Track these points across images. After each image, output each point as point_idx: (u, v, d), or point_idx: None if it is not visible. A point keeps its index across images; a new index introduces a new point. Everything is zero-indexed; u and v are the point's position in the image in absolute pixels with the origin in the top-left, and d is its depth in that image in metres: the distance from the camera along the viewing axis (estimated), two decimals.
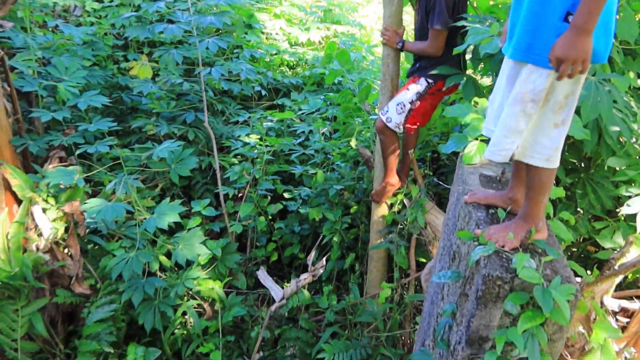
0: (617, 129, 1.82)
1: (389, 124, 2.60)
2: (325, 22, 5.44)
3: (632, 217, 2.22)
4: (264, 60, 4.62)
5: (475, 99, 2.18)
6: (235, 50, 4.45)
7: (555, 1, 1.23)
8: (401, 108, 2.57)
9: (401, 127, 2.61)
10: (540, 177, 1.43)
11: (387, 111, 2.61)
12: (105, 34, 4.27)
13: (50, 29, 3.84)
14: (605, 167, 2.32)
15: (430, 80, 2.55)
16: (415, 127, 2.67)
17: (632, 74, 2.26)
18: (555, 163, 1.40)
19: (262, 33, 4.90)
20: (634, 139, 2.21)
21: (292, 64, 5.08)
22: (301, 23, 5.42)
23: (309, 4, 6.36)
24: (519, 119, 1.34)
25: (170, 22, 3.98)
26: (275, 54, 4.86)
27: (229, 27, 4.11)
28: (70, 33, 3.48)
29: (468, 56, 2.58)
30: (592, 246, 2.64)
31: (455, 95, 2.87)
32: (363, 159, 3.28)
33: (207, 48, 3.72)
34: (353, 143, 3.21)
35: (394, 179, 2.80)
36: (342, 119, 3.61)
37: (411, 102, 2.56)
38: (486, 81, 3.02)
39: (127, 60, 4.25)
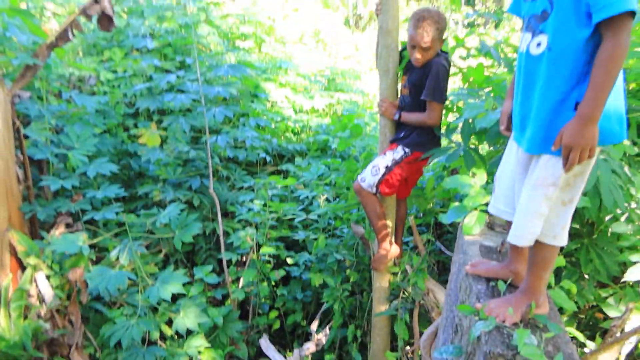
0: (611, 197, 1.85)
1: (362, 184, 2.68)
2: (329, 91, 5.64)
3: (638, 284, 2.20)
4: (269, 127, 4.77)
5: (474, 169, 2.23)
6: (241, 118, 4.60)
7: (566, 93, 1.29)
8: (376, 170, 2.66)
9: (374, 188, 2.67)
10: (544, 254, 1.44)
11: (363, 172, 2.72)
12: (117, 102, 4.45)
13: (65, 100, 4.01)
14: (609, 233, 2.33)
15: (407, 150, 2.65)
16: (389, 192, 2.72)
17: (626, 142, 2.32)
18: (562, 241, 1.42)
19: (268, 101, 5.09)
20: (634, 204, 2.24)
21: (297, 130, 5.23)
22: (306, 91, 5.63)
23: (314, 72, 6.64)
24: (542, 203, 1.37)
25: (180, 91, 4.16)
26: (280, 120, 5.02)
27: (235, 96, 4.28)
28: (83, 103, 3.63)
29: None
30: (600, 313, 2.59)
31: (455, 163, 2.94)
32: (358, 236, 3.31)
33: (214, 116, 3.87)
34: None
35: (386, 244, 2.81)
36: (340, 181, 3.66)
37: (386, 167, 2.65)
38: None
39: (137, 128, 4.41)
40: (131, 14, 5.49)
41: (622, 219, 2.21)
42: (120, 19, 5.33)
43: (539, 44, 1.33)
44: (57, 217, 3.28)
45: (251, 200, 3.70)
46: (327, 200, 3.81)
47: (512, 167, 1.51)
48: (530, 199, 1.38)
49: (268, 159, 4.50)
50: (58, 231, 3.18)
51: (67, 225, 3.31)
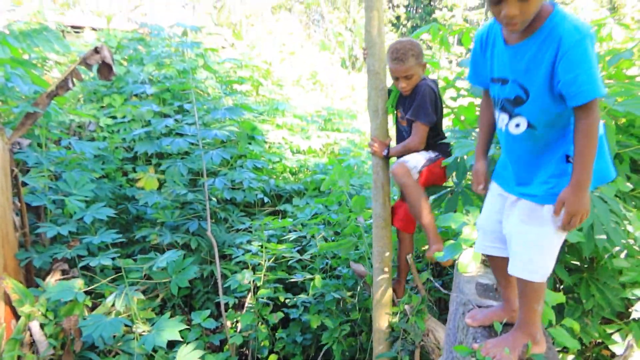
0: (603, 236, 1.84)
1: (406, 164, 2.57)
2: (326, 130, 5.72)
3: None
4: (266, 168, 4.81)
5: (468, 207, 2.24)
6: (239, 160, 4.65)
7: (555, 152, 1.39)
8: (418, 159, 2.63)
9: (418, 169, 2.58)
10: (534, 287, 1.43)
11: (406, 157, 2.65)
12: (116, 147, 4.51)
13: (64, 146, 4.07)
14: (610, 268, 2.30)
15: (436, 153, 2.67)
16: (424, 183, 2.65)
17: (619, 178, 2.32)
18: (546, 276, 1.42)
19: (265, 142, 5.15)
20: (631, 240, 2.22)
21: (294, 170, 5.27)
22: (303, 131, 5.71)
23: (311, 113, 6.75)
24: (553, 238, 1.41)
25: (179, 135, 4.23)
26: (278, 161, 5.06)
27: (233, 138, 4.34)
28: (81, 149, 3.68)
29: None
30: (606, 350, 2.53)
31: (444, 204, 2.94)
32: (357, 275, 3.28)
33: (211, 159, 3.91)
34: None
35: (439, 244, 2.52)
36: (338, 221, 3.66)
37: (427, 159, 2.64)
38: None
39: (135, 172, 4.45)
40: (131, 62, 5.64)
41: (622, 255, 2.19)
42: (121, 66, 5.47)
43: (517, 125, 1.42)
44: (53, 263, 3.26)
45: (248, 242, 3.68)
46: (325, 239, 3.79)
47: (498, 208, 1.54)
48: (539, 235, 1.41)
49: (266, 199, 4.51)
50: (54, 278, 3.15)
51: (64, 272, 3.29)
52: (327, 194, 4.74)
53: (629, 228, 2.08)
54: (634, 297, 2.29)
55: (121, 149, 4.61)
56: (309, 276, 3.51)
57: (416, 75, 2.60)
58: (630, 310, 2.36)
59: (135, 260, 3.46)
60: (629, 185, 2.22)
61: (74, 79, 3.47)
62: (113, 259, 3.16)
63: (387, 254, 2.84)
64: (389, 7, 30.23)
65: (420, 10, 31.25)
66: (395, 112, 2.88)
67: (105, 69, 3.62)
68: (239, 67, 6.03)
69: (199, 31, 4.48)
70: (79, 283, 2.96)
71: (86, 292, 2.99)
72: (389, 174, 2.87)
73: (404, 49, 2.55)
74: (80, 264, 3.20)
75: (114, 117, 4.91)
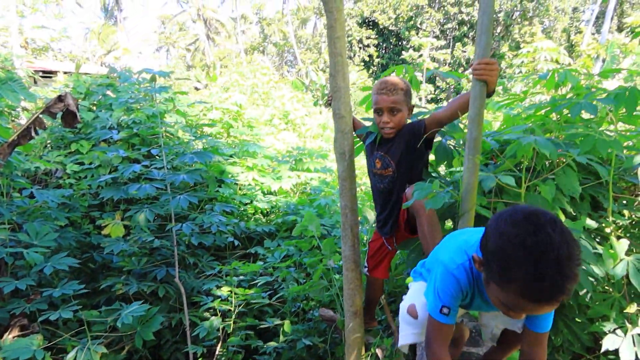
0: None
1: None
2: (297, 171, 5.74)
3: (612, 352, 2.17)
4: (236, 212, 4.77)
5: None
6: (208, 204, 4.60)
7: None
8: None
9: None
10: None
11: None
12: (83, 194, 4.42)
13: (27, 196, 3.96)
14: (575, 304, 2.32)
15: None
16: None
17: (582, 217, 2.37)
18: None
19: (236, 184, 5.13)
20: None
21: (265, 211, 5.24)
22: (274, 172, 5.72)
23: (282, 153, 6.78)
24: None
25: (148, 179, 4.18)
26: (249, 203, 5.03)
27: (202, 182, 4.31)
28: (44, 199, 3.59)
29: None
30: None
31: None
32: (326, 322, 3.24)
33: (179, 203, 3.86)
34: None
35: None
36: (309, 263, 3.63)
37: None
38: None
39: (102, 219, 4.35)
40: (100, 107, 5.61)
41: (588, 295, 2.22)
42: (89, 112, 5.43)
43: None
44: (12, 319, 3.11)
45: (218, 287, 3.61)
46: (297, 281, 3.74)
47: None
48: None
49: (236, 242, 4.46)
50: (11, 335, 3.01)
51: (22, 328, 3.14)
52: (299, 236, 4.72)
53: (594, 269, 2.11)
54: (602, 331, 2.31)
55: (88, 196, 4.53)
56: (280, 321, 3.44)
57: (401, 114, 2.37)
58: (600, 343, 2.37)
59: (100, 312, 3.35)
60: (593, 224, 2.27)
61: (37, 128, 3.43)
62: (75, 311, 3.04)
63: (358, 297, 2.82)
64: (360, 48, 31.14)
65: (389, 51, 32.28)
66: (371, 158, 2.57)
67: (69, 117, 3.60)
68: (209, 109, 6.07)
69: (168, 77, 4.50)
70: (38, 339, 2.83)
71: (47, 348, 2.86)
72: (357, 216, 2.88)
73: (394, 82, 2.36)
74: (41, 318, 3.07)
75: (81, 164, 4.85)
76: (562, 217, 2.17)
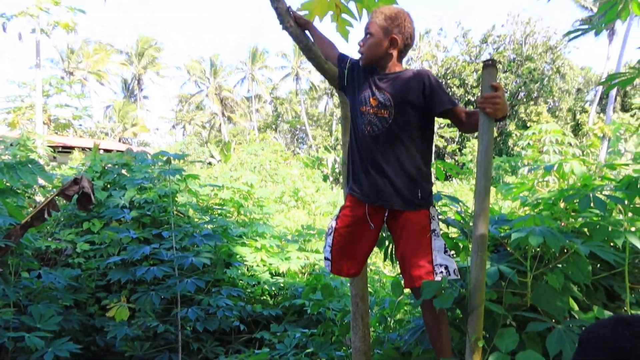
0: None
1: (451, 277, 1.96)
2: (305, 252, 5.71)
3: None
4: (242, 296, 4.70)
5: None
6: (216, 285, 4.55)
7: None
8: (448, 254, 2.01)
9: (457, 271, 2.01)
10: None
11: (438, 265, 1.97)
12: (90, 275, 4.41)
13: (35, 276, 3.97)
14: None
15: (436, 208, 2.12)
16: None
17: (597, 308, 2.30)
18: None
19: (244, 265, 5.09)
20: None
21: (273, 292, 5.15)
22: (283, 252, 5.69)
23: (291, 231, 6.79)
24: None
25: (156, 260, 4.17)
26: (256, 284, 4.96)
27: (209, 264, 4.29)
28: (51, 281, 3.59)
29: None
30: None
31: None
32: None
33: (186, 287, 3.83)
34: None
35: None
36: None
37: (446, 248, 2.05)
38: None
39: (108, 299, 4.30)
40: (114, 186, 5.74)
41: None
42: (103, 191, 5.55)
43: None
44: None
45: None
46: None
47: None
48: None
49: (242, 327, 4.34)
50: None
51: None
52: (307, 318, 4.59)
53: None
54: None
55: (95, 276, 4.51)
56: None
57: (373, 40, 2.03)
58: None
59: None
60: (609, 315, 2.20)
61: (51, 210, 3.50)
62: None
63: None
64: None
65: None
66: (362, 93, 2.10)
67: (84, 199, 3.68)
68: (220, 189, 6.18)
69: (183, 159, 4.64)
70: None
71: None
72: (368, 304, 2.81)
73: (383, 8, 2.06)
74: None
75: (92, 243, 4.87)
76: (575, 307, 2.10)
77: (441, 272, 1.93)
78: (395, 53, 2.06)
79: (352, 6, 2.76)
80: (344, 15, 2.77)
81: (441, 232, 2.10)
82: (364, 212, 2.08)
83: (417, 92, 1.96)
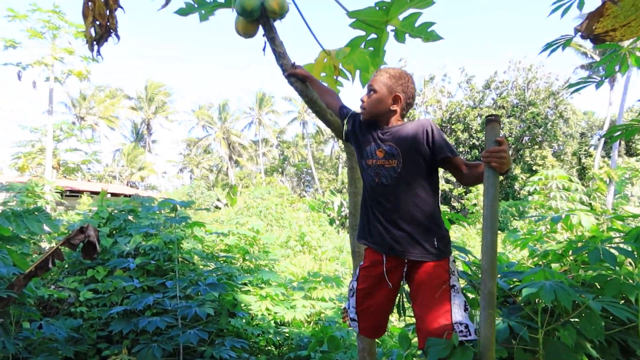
0: None
1: (471, 337, 1.87)
2: (311, 300, 5.61)
3: None
4: (249, 343, 4.59)
5: None
6: (220, 336, 4.45)
7: None
8: (469, 310, 1.95)
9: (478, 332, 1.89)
10: None
11: (458, 323, 1.89)
12: (92, 325, 4.34)
13: (36, 327, 3.91)
14: None
15: (452, 258, 2.09)
16: None
17: None
18: None
19: (249, 314, 5.00)
20: None
21: (278, 342, 5.03)
22: (288, 300, 5.59)
23: (297, 277, 6.70)
24: None
25: (160, 309, 4.10)
26: (260, 334, 4.85)
27: (213, 316, 4.21)
28: (52, 332, 3.53)
29: None
30: None
31: None
32: None
33: (189, 338, 3.74)
34: None
35: None
36: None
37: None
38: None
39: (109, 350, 4.21)
40: (120, 232, 5.74)
41: None
42: (109, 238, 5.55)
43: None
44: None
45: None
46: None
47: None
48: None
49: None
50: None
51: None
52: None
53: None
54: None
55: (97, 326, 4.43)
56: None
57: (377, 96, 2.09)
58: None
59: None
60: None
61: (55, 259, 3.48)
62: None
63: None
64: None
65: None
66: (368, 146, 2.14)
67: (89, 248, 3.66)
68: (226, 235, 6.16)
69: (190, 207, 4.66)
70: None
71: None
72: (375, 359, 2.74)
73: (388, 68, 2.14)
74: None
75: (95, 291, 4.82)
76: None
77: (461, 331, 1.86)
78: (398, 110, 2.11)
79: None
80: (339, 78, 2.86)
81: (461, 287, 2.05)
82: (382, 270, 2.06)
83: (421, 139, 1.99)
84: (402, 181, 2.00)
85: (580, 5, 2.75)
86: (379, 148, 2.07)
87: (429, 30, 2.09)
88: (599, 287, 2.36)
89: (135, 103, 45.93)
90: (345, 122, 2.30)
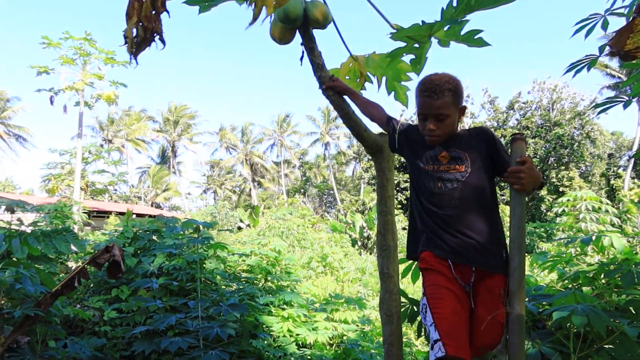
0: None
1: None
2: (333, 322, 5.53)
3: None
4: None
5: None
6: (240, 358, 4.42)
7: None
8: None
9: None
10: None
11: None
12: (115, 344, 4.37)
13: (61, 346, 3.95)
14: None
15: None
16: None
17: None
18: None
19: (270, 336, 4.96)
20: None
21: None
22: (309, 322, 5.52)
23: (320, 299, 6.62)
24: None
25: (182, 330, 4.10)
26: (281, 356, 4.80)
27: (234, 337, 4.20)
28: (76, 351, 3.56)
29: None
30: None
31: None
32: None
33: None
34: None
35: None
36: None
37: None
38: None
39: None
40: (144, 252, 5.81)
41: None
42: (133, 258, 5.61)
43: None
44: None
45: None
46: None
47: None
48: None
49: None
50: None
51: None
52: None
53: None
54: None
55: (120, 345, 4.46)
56: None
57: (450, 119, 1.97)
58: None
59: None
60: None
61: (81, 278, 3.54)
62: None
63: None
64: (397, 191, 32.01)
65: None
66: (426, 154, 2.07)
67: (114, 268, 3.71)
68: (248, 255, 6.16)
69: (213, 227, 4.69)
70: None
71: None
72: None
73: (440, 81, 1.96)
74: None
75: (119, 310, 4.87)
76: None
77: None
78: (462, 117, 2.08)
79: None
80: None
81: None
82: (451, 274, 1.91)
83: (486, 144, 1.97)
84: (469, 186, 1.92)
85: (605, 25, 2.70)
86: (441, 153, 2.00)
87: (475, 37, 2.04)
88: (633, 312, 2.26)
89: (161, 126, 46.99)
90: (397, 132, 2.23)
